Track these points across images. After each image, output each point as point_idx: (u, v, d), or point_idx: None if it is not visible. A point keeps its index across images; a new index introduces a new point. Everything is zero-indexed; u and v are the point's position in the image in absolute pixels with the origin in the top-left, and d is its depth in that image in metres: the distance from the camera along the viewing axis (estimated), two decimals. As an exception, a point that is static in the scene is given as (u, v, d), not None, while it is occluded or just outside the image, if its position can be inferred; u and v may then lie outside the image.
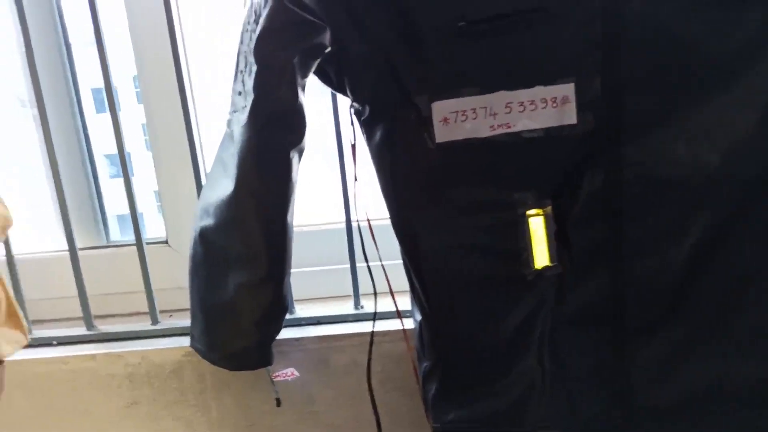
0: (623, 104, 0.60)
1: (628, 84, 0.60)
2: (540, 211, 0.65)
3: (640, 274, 0.64)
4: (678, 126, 0.60)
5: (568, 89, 0.61)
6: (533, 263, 0.65)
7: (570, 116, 0.62)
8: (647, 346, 0.66)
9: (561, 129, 0.62)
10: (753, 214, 0.63)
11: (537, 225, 0.65)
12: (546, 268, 0.65)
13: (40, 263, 0.87)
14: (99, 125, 0.94)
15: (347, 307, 0.79)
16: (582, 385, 0.68)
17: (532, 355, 0.67)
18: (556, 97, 0.62)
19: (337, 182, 0.77)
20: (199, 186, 0.77)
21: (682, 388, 0.66)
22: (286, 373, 0.71)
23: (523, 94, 0.61)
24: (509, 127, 0.63)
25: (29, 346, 0.76)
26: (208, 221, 0.65)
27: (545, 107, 0.62)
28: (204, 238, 0.66)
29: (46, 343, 0.79)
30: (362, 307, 0.79)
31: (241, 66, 0.61)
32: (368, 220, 0.69)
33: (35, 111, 0.82)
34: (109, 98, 0.76)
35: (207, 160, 0.84)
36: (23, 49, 0.76)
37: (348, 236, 0.77)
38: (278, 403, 0.73)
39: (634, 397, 0.67)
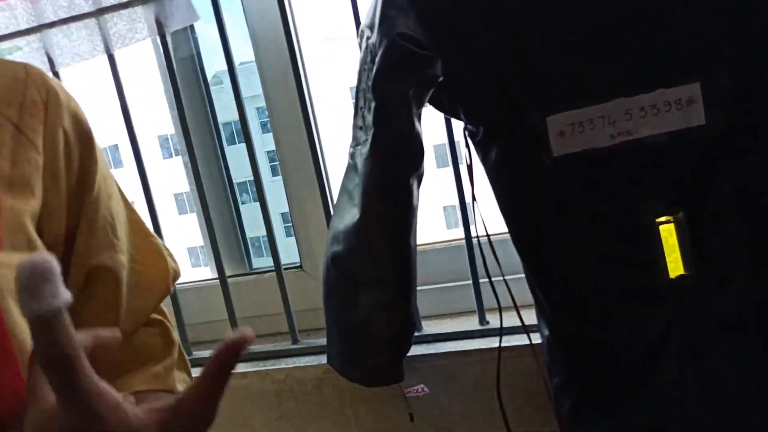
0: (754, 99, 0.57)
1: (759, 77, 0.56)
2: (671, 218, 0.62)
3: None
4: None
5: (693, 89, 0.58)
6: (667, 273, 0.61)
7: (698, 117, 0.58)
8: None
9: (688, 131, 0.59)
10: None
11: (668, 233, 0.62)
12: (680, 277, 0.61)
13: (197, 291, 0.97)
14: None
15: (473, 323, 0.80)
16: (729, 396, 0.63)
17: (671, 367, 0.63)
18: (680, 99, 0.59)
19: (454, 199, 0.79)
20: (327, 214, 0.82)
21: None
22: (417, 389, 0.73)
23: (644, 99, 0.59)
24: (630, 134, 0.60)
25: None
26: (338, 247, 0.69)
27: (669, 110, 0.59)
28: (336, 263, 0.70)
29: (203, 363, 0.87)
30: (488, 323, 0.79)
31: (361, 103, 0.65)
32: (488, 236, 0.70)
33: (183, 152, 0.91)
34: (245, 130, 0.84)
35: (333, 188, 0.89)
36: (169, 88, 0.85)
37: (469, 253, 0.77)
38: (411, 418, 0.75)
39: None
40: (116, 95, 0.87)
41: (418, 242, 0.89)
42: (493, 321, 0.79)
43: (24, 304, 0.25)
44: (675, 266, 0.62)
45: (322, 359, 0.78)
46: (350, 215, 0.67)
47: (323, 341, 0.77)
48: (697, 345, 0.62)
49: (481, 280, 0.78)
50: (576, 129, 0.62)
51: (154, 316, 0.52)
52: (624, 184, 0.61)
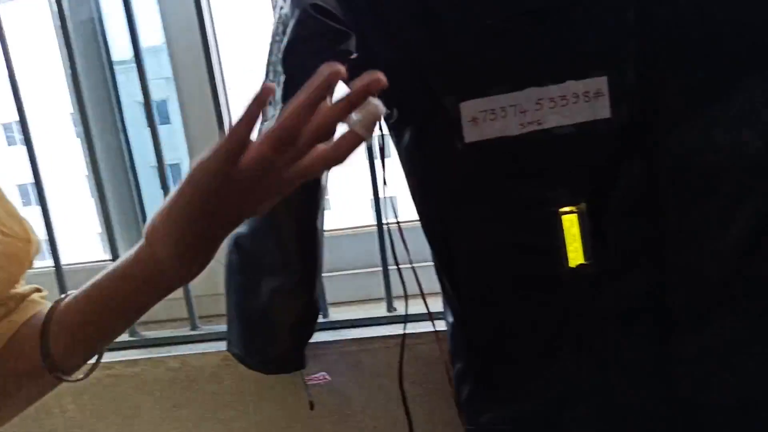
0: (659, 94, 0.58)
1: (663, 73, 0.57)
2: (574, 208, 0.63)
3: (684, 267, 0.61)
4: (717, 111, 0.58)
5: (600, 82, 0.59)
6: (567, 262, 0.62)
7: (604, 109, 0.59)
8: (694, 342, 0.63)
9: (594, 124, 0.59)
10: None
11: (571, 223, 0.63)
12: (581, 266, 0.63)
13: (88, 273, 0.89)
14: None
15: (380, 310, 0.78)
16: (623, 384, 0.65)
17: (568, 356, 0.64)
18: (588, 91, 0.60)
19: (367, 186, 0.76)
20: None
21: (734, 388, 0.63)
22: (319, 377, 0.71)
23: (553, 90, 0.59)
24: (540, 123, 0.61)
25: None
26: (242, 229, 0.65)
27: (577, 102, 0.60)
28: (238, 245, 0.66)
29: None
30: (395, 310, 0.78)
31: (270, 76, 0.61)
32: (398, 223, 0.68)
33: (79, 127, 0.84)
34: (148, 110, 0.77)
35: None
36: (68, 67, 0.78)
37: (380, 240, 0.76)
38: (311, 406, 0.72)
39: (680, 395, 0.64)
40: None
41: (331, 228, 0.87)
42: (402, 308, 0.77)
43: None
44: (575, 256, 0.63)
45: (222, 346, 0.74)
46: (254, 194, 0.63)
47: (224, 327, 0.72)
48: (593, 334, 0.63)
49: (392, 267, 0.77)
50: (488, 116, 0.62)
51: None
52: (531, 173, 0.62)
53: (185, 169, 0.42)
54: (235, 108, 0.84)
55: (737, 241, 0.60)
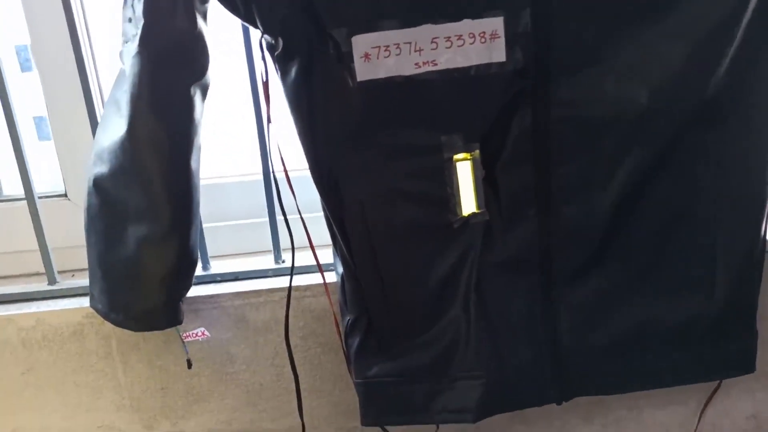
0: (553, 39, 0.57)
1: (558, 17, 0.56)
2: (468, 155, 0.61)
3: (568, 219, 0.62)
4: (608, 62, 0.57)
5: (497, 23, 0.56)
6: (460, 210, 0.61)
7: (499, 53, 0.57)
8: (575, 292, 0.65)
9: (489, 67, 0.57)
10: (681, 149, 0.61)
11: (464, 170, 0.61)
12: (473, 215, 0.61)
13: None
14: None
15: (267, 262, 0.73)
16: (509, 331, 0.66)
17: (457, 305, 0.63)
18: (484, 32, 0.57)
19: (251, 128, 0.70)
20: (95, 130, 0.68)
21: (610, 332, 0.66)
22: (197, 333, 0.65)
23: (450, 28, 0.56)
24: (435, 64, 0.58)
25: None
26: (102, 168, 0.57)
27: (473, 42, 0.58)
28: (99, 187, 0.58)
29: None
30: (283, 262, 0.73)
31: None
32: (285, 170, 0.62)
33: None
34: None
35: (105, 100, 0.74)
36: None
37: (266, 187, 0.70)
38: (189, 364, 0.67)
39: (562, 341, 0.66)
40: None
41: (213, 175, 0.80)
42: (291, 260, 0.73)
43: None
44: (468, 203, 0.62)
45: (84, 302, 0.66)
46: (116, 128, 0.55)
47: (86, 282, 0.64)
48: (480, 283, 0.63)
49: (278, 217, 0.71)
50: (382, 53, 0.57)
51: None
52: (425, 117, 0.59)
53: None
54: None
55: (618, 194, 0.61)
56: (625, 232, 0.63)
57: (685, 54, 0.57)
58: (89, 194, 0.59)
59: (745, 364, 0.68)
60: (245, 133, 0.77)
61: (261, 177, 0.71)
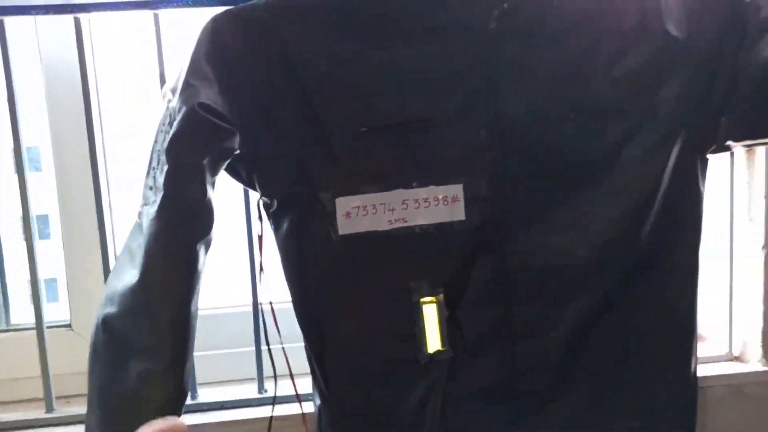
0: (507, 202, 0.68)
1: (511, 184, 0.68)
2: (433, 298, 0.70)
3: (527, 354, 0.70)
4: (553, 220, 0.69)
5: (457, 189, 0.68)
6: (426, 348, 0.69)
7: (459, 213, 0.68)
8: (537, 421, 0.71)
9: (451, 224, 0.68)
10: (619, 297, 0.71)
11: (430, 311, 0.70)
12: (438, 352, 0.69)
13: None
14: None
15: (251, 391, 0.79)
16: None
17: (429, 430, 0.69)
18: (447, 196, 0.69)
19: (240, 266, 0.79)
20: (106, 271, 0.76)
21: None
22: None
23: (418, 193, 0.67)
24: (405, 221, 0.68)
25: None
26: (112, 309, 0.64)
27: (437, 204, 0.69)
28: (107, 325, 0.65)
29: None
30: (266, 391, 0.79)
31: (154, 163, 0.63)
32: (271, 304, 0.71)
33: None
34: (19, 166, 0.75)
35: (117, 244, 0.84)
36: None
37: (255, 323, 0.78)
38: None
39: None
40: None
41: (206, 306, 0.88)
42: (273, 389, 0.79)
43: None
44: (434, 341, 0.70)
45: (80, 430, 0.71)
46: (129, 276, 0.63)
47: (82, 410, 0.69)
48: (448, 411, 0.70)
49: (262, 348, 0.79)
50: (360, 212, 0.68)
51: None
52: (396, 265, 0.68)
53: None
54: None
55: (569, 333, 0.70)
56: (579, 366, 0.71)
57: (617, 216, 0.68)
58: (97, 331, 0.66)
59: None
60: (234, 269, 0.86)
61: (249, 308, 0.79)
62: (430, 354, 0.69)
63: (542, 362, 0.70)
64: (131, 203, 0.69)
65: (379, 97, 0.65)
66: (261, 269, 0.70)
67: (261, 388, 0.79)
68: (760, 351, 0.80)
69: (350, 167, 0.66)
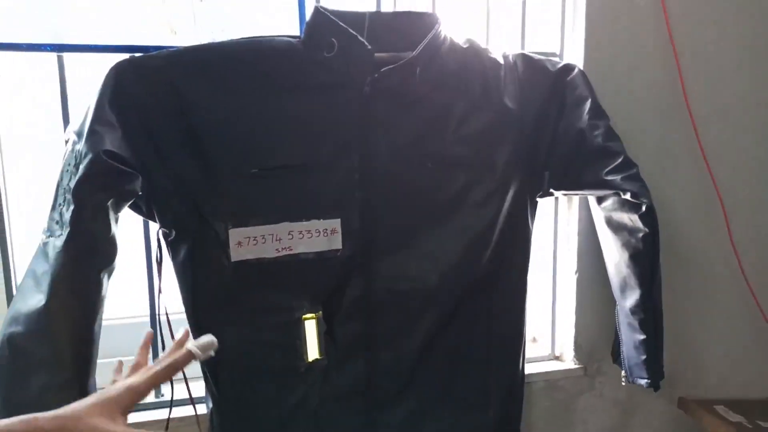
0: (375, 234, 0.82)
1: (379, 219, 0.82)
2: (314, 315, 0.83)
3: (384, 360, 0.85)
4: (412, 250, 0.83)
5: (335, 223, 0.81)
6: (306, 357, 0.82)
7: (337, 243, 0.81)
8: (391, 414, 0.87)
9: (330, 252, 0.81)
10: (463, 310, 0.87)
11: (310, 326, 0.83)
12: (316, 360, 0.83)
13: None
14: None
15: (149, 396, 0.88)
16: None
17: (301, 427, 0.83)
18: (327, 229, 0.81)
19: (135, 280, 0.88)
20: (9, 293, 0.81)
21: None
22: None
23: (302, 226, 0.80)
24: (290, 249, 0.80)
25: None
26: (18, 328, 0.69)
27: (319, 236, 0.81)
28: (11, 343, 0.69)
29: None
30: (162, 395, 0.89)
31: (60, 200, 0.70)
32: (167, 317, 0.80)
33: None
34: None
35: (19, 269, 0.88)
36: None
37: (154, 334, 0.87)
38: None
39: None
40: None
41: (112, 315, 0.94)
42: (170, 394, 0.88)
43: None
44: (312, 351, 0.83)
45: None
46: (35, 300, 0.69)
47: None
48: (320, 409, 0.83)
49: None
50: (251, 241, 0.79)
51: None
52: (282, 287, 0.80)
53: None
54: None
55: (420, 343, 0.85)
56: (427, 369, 0.87)
57: (460, 248, 0.84)
58: (1, 348, 0.72)
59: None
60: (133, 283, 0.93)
61: (146, 319, 0.87)
62: (308, 362, 0.82)
63: (398, 366, 0.85)
64: (32, 228, 0.76)
65: (267, 143, 0.77)
66: (160, 291, 0.80)
67: (158, 393, 0.89)
68: (572, 353, 1.01)
69: (242, 203, 0.77)
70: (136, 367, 0.63)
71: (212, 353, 0.60)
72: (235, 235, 0.78)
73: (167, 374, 0.59)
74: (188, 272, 0.79)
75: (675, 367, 0.94)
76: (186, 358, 0.59)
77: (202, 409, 0.84)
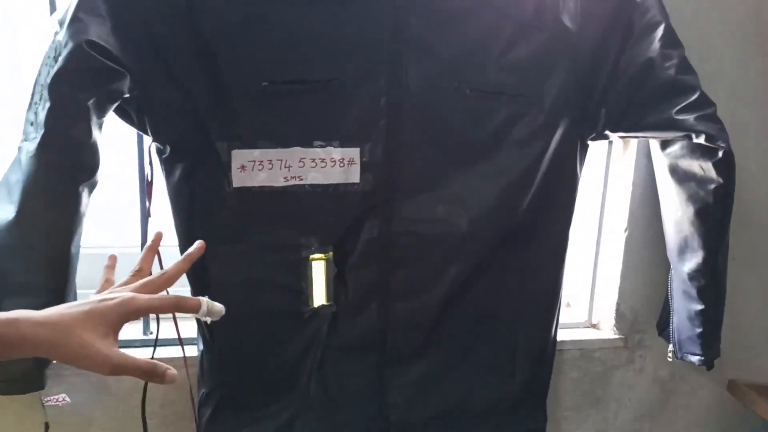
0: (400, 170, 0.72)
1: (405, 153, 0.72)
2: (323, 255, 0.74)
3: (401, 313, 0.77)
4: (439, 192, 0.74)
5: (354, 153, 0.71)
6: (312, 302, 0.74)
7: (354, 175, 0.72)
8: (405, 373, 0.79)
9: (345, 185, 0.72)
10: (493, 263, 0.79)
11: (318, 268, 0.75)
12: (323, 306, 0.74)
13: None
14: None
15: (136, 332, 0.81)
16: (347, 406, 0.78)
17: (303, 381, 0.75)
18: (343, 159, 0.72)
19: (126, 208, 0.79)
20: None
21: (434, 407, 0.80)
22: (58, 399, 0.71)
23: (316, 153, 0.70)
24: (301, 179, 0.71)
25: None
26: (-12, 243, 0.63)
27: (334, 166, 0.72)
28: (-18, 260, 0.63)
29: None
30: (151, 333, 0.81)
31: (36, 98, 0.61)
32: (158, 254, 0.72)
33: None
34: None
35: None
36: None
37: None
38: (47, 427, 0.72)
39: (391, 416, 0.79)
40: None
41: (93, 245, 0.86)
42: (161, 331, 0.81)
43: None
44: (319, 296, 0.74)
45: (-53, 364, 0.70)
46: (5, 212, 0.62)
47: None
48: (323, 363, 0.75)
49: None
50: (256, 166, 0.70)
51: None
52: (289, 221, 0.72)
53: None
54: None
55: (443, 295, 0.77)
56: (448, 325, 0.79)
57: (496, 193, 0.75)
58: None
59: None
60: (120, 211, 0.85)
61: (135, 249, 0.79)
62: (314, 308, 0.73)
63: (415, 320, 0.77)
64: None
65: (283, 54, 0.67)
66: (148, 215, 0.71)
67: (146, 330, 0.81)
68: (612, 321, 0.91)
69: (250, 121, 0.68)
70: (137, 275, 0.55)
71: (208, 320, 0.53)
72: (239, 157, 0.68)
73: (173, 304, 0.50)
74: (183, 196, 0.70)
75: (725, 345, 0.84)
76: (194, 304, 0.50)
77: (192, 351, 0.76)
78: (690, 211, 0.75)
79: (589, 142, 0.80)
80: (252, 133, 0.68)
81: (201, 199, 0.70)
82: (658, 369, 0.93)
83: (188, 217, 0.70)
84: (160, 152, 0.69)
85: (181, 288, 0.74)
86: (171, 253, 0.72)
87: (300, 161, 0.71)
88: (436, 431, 0.81)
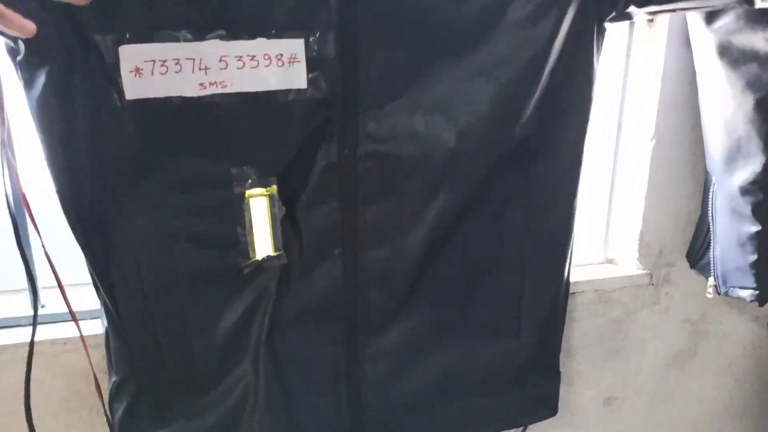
0: (360, 69, 0.56)
1: (366, 46, 0.56)
2: (264, 191, 0.58)
3: (375, 261, 0.62)
4: (416, 97, 0.58)
5: (296, 45, 0.54)
6: (253, 253, 0.58)
7: (299, 79, 0.55)
8: (381, 342, 0.65)
9: (288, 93, 0.55)
10: (489, 192, 0.63)
11: (259, 207, 0.58)
12: (268, 258, 0.58)
13: None
14: None
15: (25, 305, 0.62)
16: (307, 388, 0.63)
17: (246, 361, 0.59)
18: (282, 54, 0.55)
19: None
20: None
21: (415, 384, 0.67)
22: None
23: (242, 47, 0.53)
24: (224, 86, 0.54)
25: None
26: None
27: (269, 65, 0.55)
28: None
29: None
30: (43, 306, 0.63)
31: None
32: (24, 198, 0.52)
33: None
34: None
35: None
36: None
37: (13, 223, 0.58)
38: None
39: (365, 396, 0.66)
40: None
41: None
42: (55, 304, 0.62)
43: None
44: (263, 245, 0.57)
45: None
46: None
47: None
48: (274, 336, 0.60)
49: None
50: (157, 68, 0.52)
51: None
52: (212, 146, 0.55)
53: None
54: None
55: (426, 238, 0.61)
56: (434, 277, 0.64)
57: (491, 95, 0.58)
58: None
59: (548, 408, 0.71)
60: None
61: None
62: (256, 261, 0.57)
63: (392, 272, 0.62)
64: None
65: None
66: (3, 145, 0.50)
67: (35, 303, 0.62)
68: (636, 253, 0.76)
69: (142, 2, 0.49)
70: None
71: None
72: (130, 55, 0.50)
73: None
74: (53, 117, 0.51)
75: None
76: None
77: (95, 327, 0.58)
78: (748, 102, 0.61)
79: (607, 25, 0.63)
80: (148, 19, 0.49)
81: (79, 119, 0.51)
82: (687, 309, 0.83)
83: (64, 149, 0.51)
84: (12, 52, 0.50)
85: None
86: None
87: (221, 60, 0.53)
88: (422, 413, 0.67)
